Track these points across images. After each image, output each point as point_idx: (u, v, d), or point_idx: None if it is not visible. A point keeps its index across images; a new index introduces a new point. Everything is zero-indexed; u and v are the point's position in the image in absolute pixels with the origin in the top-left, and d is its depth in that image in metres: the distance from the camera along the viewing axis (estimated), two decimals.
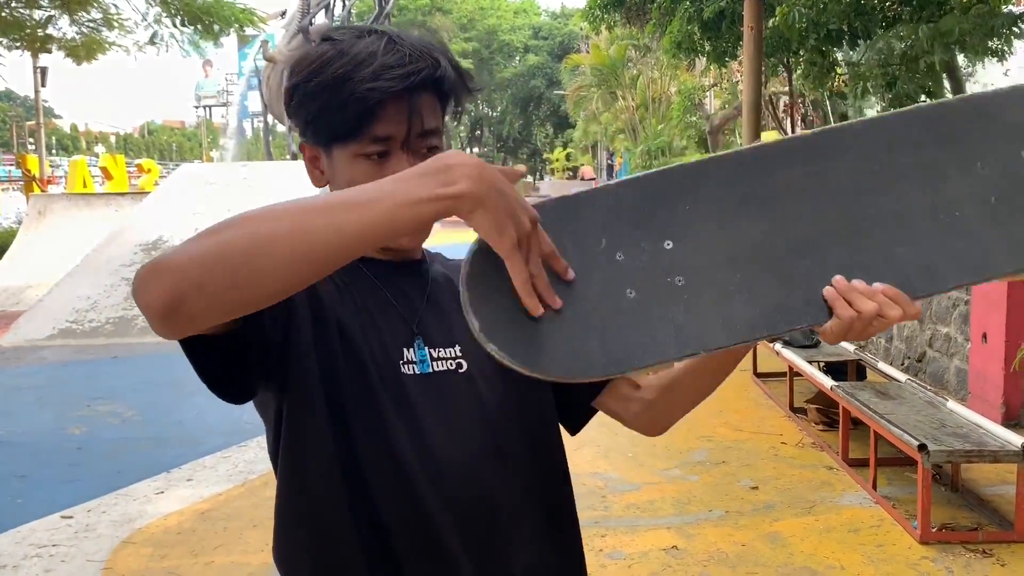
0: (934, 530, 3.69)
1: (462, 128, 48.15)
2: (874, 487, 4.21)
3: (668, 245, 0.91)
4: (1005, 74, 20.94)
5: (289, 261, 0.78)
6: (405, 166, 0.98)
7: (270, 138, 35.01)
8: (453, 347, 1.11)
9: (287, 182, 12.24)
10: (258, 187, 12.01)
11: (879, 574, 3.43)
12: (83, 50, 17.30)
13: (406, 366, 1.07)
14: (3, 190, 33.42)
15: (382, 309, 1.10)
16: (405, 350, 1.08)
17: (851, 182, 0.95)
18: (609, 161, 45.04)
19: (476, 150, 56.08)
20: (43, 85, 23.80)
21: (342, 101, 1.01)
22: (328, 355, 1.04)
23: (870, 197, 0.95)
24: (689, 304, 0.89)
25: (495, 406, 1.10)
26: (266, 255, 0.77)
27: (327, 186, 1.10)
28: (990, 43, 9.89)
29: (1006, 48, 10.05)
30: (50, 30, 17.55)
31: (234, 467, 4.90)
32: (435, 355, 1.10)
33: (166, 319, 0.79)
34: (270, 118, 33.93)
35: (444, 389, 1.09)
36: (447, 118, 1.12)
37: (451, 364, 1.10)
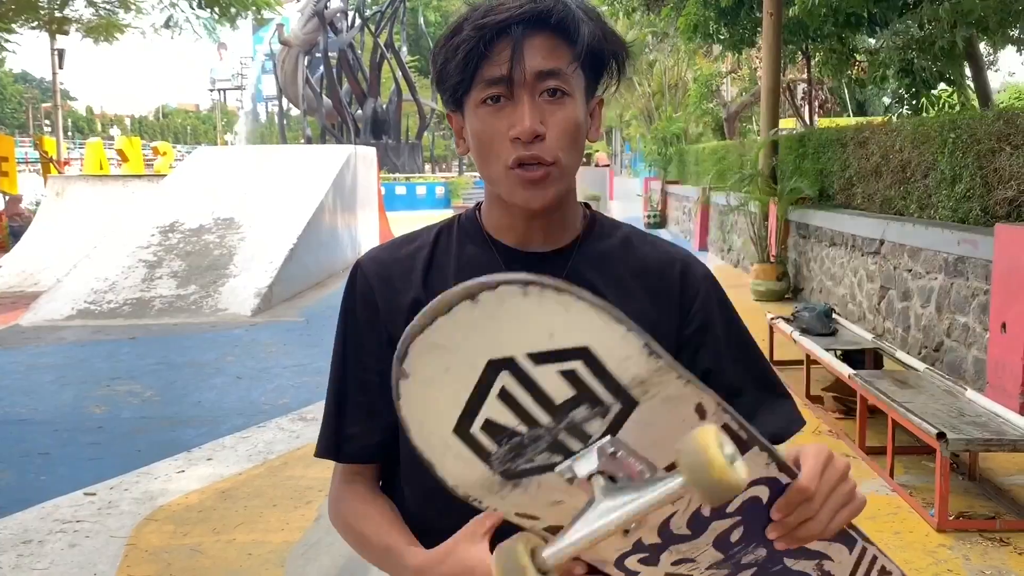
0: (951, 518, 3.69)
1: None
2: (891, 475, 4.21)
3: None
4: None
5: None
6: (524, 111, 0.99)
7: (284, 121, 35.12)
8: None
9: (301, 165, 12.29)
10: (272, 170, 12.06)
11: (896, 561, 3.42)
12: (102, 30, 17.36)
13: None
14: (20, 172, 33.61)
15: None
16: None
17: None
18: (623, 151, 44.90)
19: None
20: (60, 67, 23.88)
21: (456, 47, 1.00)
22: None
23: None
24: None
25: None
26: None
27: (468, 153, 1.08)
28: (1011, 32, 9.80)
29: None
30: (66, 11, 17.62)
31: (253, 447, 4.94)
32: None
33: None
34: (285, 101, 34.06)
35: None
36: (610, 79, 1.08)
37: None
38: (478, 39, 0.98)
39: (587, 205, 1.15)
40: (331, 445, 1.15)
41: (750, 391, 1.11)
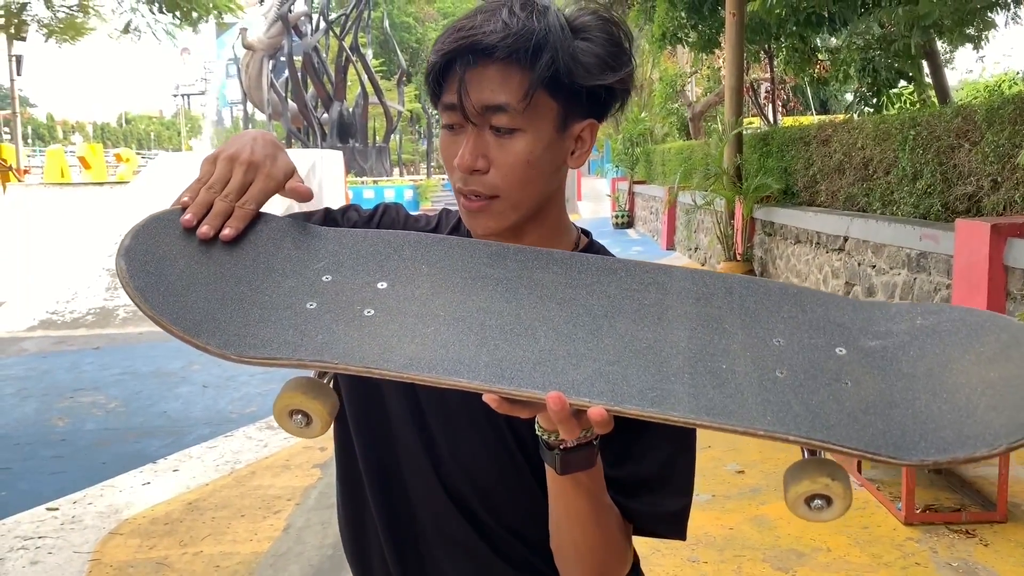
0: (918, 511, 3.73)
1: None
2: (859, 470, 4.25)
3: (382, 285, 0.87)
4: (979, 60, 21.11)
5: None
6: (464, 144, 0.96)
7: (249, 126, 34.79)
8: None
9: None
10: None
11: (864, 555, 3.47)
12: (67, 32, 17.07)
13: None
14: None
15: None
16: None
17: (613, 303, 0.86)
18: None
19: None
20: (18, 74, 23.44)
21: (428, 65, 0.98)
22: None
23: (625, 321, 0.84)
24: (364, 331, 0.82)
25: (516, 427, 1.01)
26: None
27: None
28: (967, 30, 9.95)
29: (985, 34, 10.14)
30: (24, 16, 17.31)
31: (220, 457, 4.88)
32: None
33: None
34: (249, 106, 33.72)
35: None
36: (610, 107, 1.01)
37: None
38: (434, 65, 0.96)
39: (586, 233, 1.10)
40: None
41: (653, 475, 1.01)
